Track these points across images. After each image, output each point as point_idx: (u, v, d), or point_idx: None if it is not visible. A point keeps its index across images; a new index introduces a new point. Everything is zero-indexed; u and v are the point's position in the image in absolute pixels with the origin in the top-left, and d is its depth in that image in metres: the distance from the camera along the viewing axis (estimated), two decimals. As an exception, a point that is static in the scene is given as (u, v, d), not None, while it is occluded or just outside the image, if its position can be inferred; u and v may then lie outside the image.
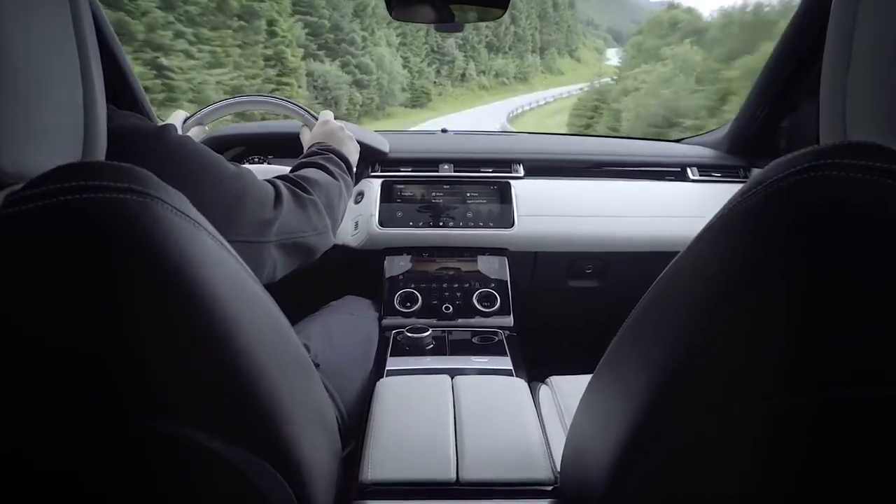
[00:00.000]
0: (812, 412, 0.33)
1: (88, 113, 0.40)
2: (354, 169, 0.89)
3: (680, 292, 0.41)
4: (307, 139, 0.92)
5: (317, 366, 0.80)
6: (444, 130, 1.41)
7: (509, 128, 2.16)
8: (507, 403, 0.74)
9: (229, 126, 1.30)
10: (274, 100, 0.96)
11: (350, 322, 0.96)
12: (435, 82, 41.56)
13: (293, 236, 0.64)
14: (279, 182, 0.66)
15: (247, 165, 1.00)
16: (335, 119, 0.94)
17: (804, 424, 0.34)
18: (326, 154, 0.82)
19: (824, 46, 0.44)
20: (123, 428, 0.33)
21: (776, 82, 1.09)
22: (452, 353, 0.92)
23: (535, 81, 59.95)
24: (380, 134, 1.25)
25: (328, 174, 0.77)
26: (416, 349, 0.92)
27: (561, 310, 1.30)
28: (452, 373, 0.82)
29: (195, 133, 0.95)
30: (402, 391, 0.75)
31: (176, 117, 0.95)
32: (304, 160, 0.80)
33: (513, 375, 0.86)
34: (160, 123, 0.56)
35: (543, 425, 0.78)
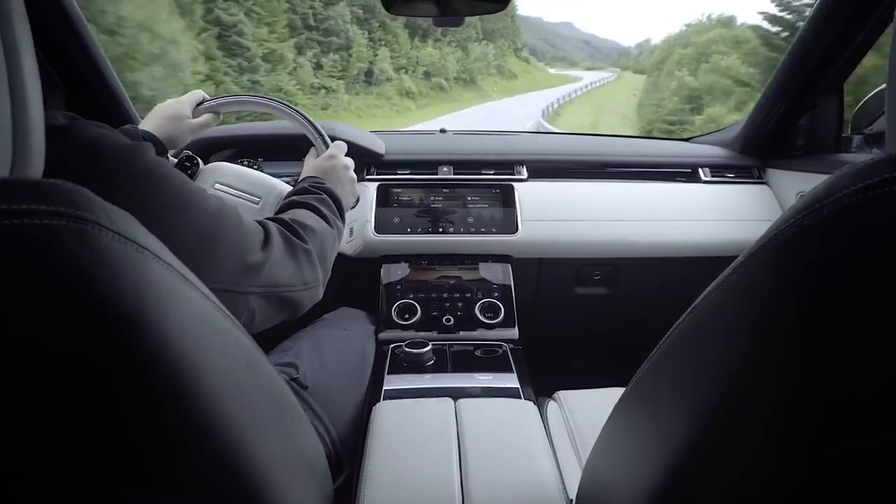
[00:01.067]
0: (877, 462, 0.28)
1: (18, 125, 0.33)
2: (346, 214, 0.81)
3: (724, 322, 0.35)
4: (308, 166, 0.83)
5: (305, 388, 0.74)
6: (442, 130, 1.34)
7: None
8: (516, 431, 0.68)
9: (217, 127, 1.23)
10: (294, 113, 0.87)
11: (343, 338, 0.89)
12: (317, 85, 20.56)
13: (279, 289, 0.56)
14: (271, 225, 0.59)
15: (245, 168, 0.93)
16: (330, 133, 0.85)
17: (866, 476, 0.28)
18: (320, 195, 0.74)
19: (892, 40, 0.38)
20: (74, 494, 0.27)
21: (795, 79, 1.03)
22: (454, 370, 0.86)
23: (485, 85, 38.95)
24: (375, 134, 1.19)
25: (323, 219, 0.69)
26: (416, 365, 0.86)
27: (568, 318, 1.24)
28: (455, 394, 0.76)
29: (207, 120, 0.85)
30: (401, 417, 0.69)
31: (191, 97, 0.84)
32: (295, 198, 0.73)
33: (519, 395, 0.80)
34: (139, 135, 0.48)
35: (554, 451, 0.72)
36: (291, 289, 0.58)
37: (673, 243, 1.08)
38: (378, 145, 1.14)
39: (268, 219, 0.62)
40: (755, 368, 0.30)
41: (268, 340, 0.89)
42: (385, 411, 0.70)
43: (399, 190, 1.10)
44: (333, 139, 0.85)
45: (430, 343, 0.88)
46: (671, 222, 1.10)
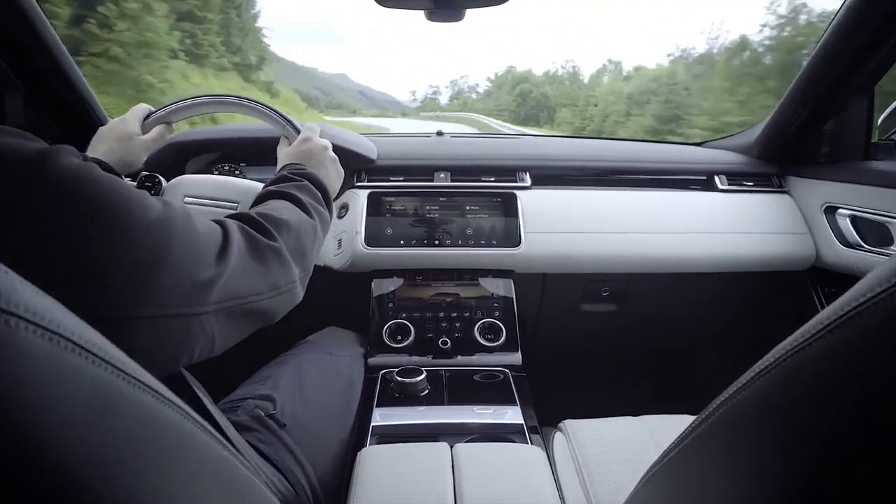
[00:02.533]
0: None
1: None
2: (334, 200, 0.72)
3: (809, 395, 0.26)
4: (282, 155, 0.76)
5: (283, 426, 0.65)
6: (439, 133, 1.26)
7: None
8: (522, 486, 0.59)
9: (195, 130, 1.15)
10: (252, 104, 0.80)
11: (329, 364, 0.81)
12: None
13: (242, 301, 0.47)
14: (232, 225, 0.49)
15: (215, 176, 0.85)
16: (321, 135, 0.77)
17: None
18: (300, 181, 0.66)
19: None
20: None
21: (822, 79, 0.94)
22: (451, 401, 0.78)
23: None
24: (367, 138, 1.10)
25: (301, 209, 0.61)
26: (408, 396, 0.78)
27: (573, 337, 1.16)
28: (452, 431, 0.68)
29: (159, 133, 0.78)
30: (389, 466, 0.61)
31: (136, 112, 0.77)
32: (272, 188, 0.64)
33: (524, 432, 0.72)
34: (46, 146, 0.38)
35: (562, 495, 0.64)
36: (259, 297, 0.49)
37: (688, 257, 1.00)
38: (370, 149, 1.05)
39: (231, 216, 0.52)
40: (863, 458, 0.22)
41: (245, 365, 0.81)
42: (372, 458, 0.62)
43: (392, 198, 1.01)
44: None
45: (425, 370, 0.80)
46: (686, 234, 1.01)
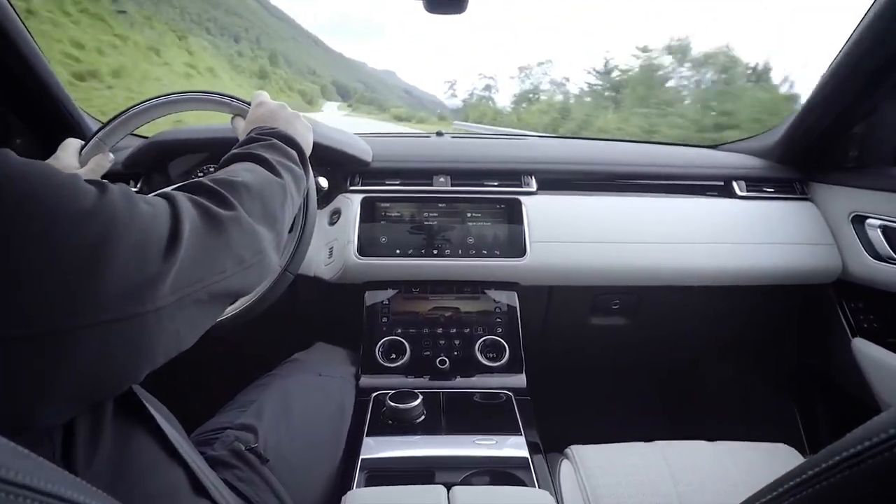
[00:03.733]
0: None
1: None
2: (308, 154, 0.65)
3: None
4: (241, 127, 0.69)
5: (266, 461, 0.59)
6: (439, 133, 1.18)
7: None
8: None
9: (178, 128, 1.07)
10: (186, 96, 0.73)
11: (318, 388, 0.74)
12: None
13: (204, 285, 0.40)
14: (181, 198, 0.42)
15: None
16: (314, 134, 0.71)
17: None
18: (267, 140, 0.59)
19: None
20: None
21: (852, 80, 0.87)
22: (449, 430, 0.71)
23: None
24: (360, 137, 1.03)
25: (266, 167, 0.54)
26: (402, 423, 0.71)
27: (580, 352, 1.09)
28: (449, 470, 0.61)
29: (98, 162, 0.71)
30: None
31: (67, 148, 0.71)
32: (235, 150, 0.57)
33: (530, 467, 0.65)
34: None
35: None
36: (223, 276, 0.42)
37: (704, 269, 0.93)
38: (364, 151, 0.98)
39: (178, 186, 0.45)
40: None
41: (226, 387, 0.74)
42: (359, 503, 0.55)
43: (387, 204, 0.94)
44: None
45: (420, 394, 0.73)
46: (702, 244, 0.94)
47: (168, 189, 0.44)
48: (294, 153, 0.60)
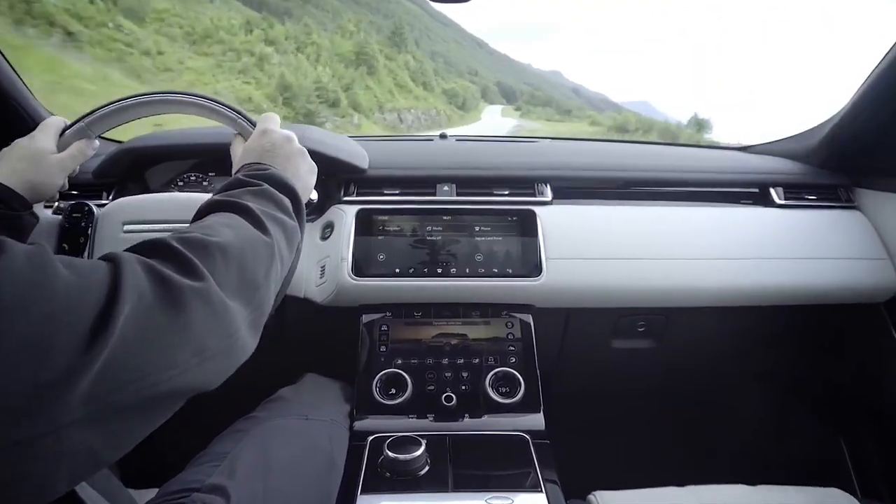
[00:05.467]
0: None
1: None
2: (305, 203, 0.56)
3: None
4: (237, 154, 0.60)
5: None
6: (442, 136, 1.08)
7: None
8: None
9: (158, 133, 0.98)
10: (189, 98, 0.64)
11: (303, 435, 0.64)
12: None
13: (138, 387, 0.30)
14: (129, 262, 0.32)
15: (163, 194, 0.69)
16: (283, 128, 0.61)
17: None
18: (258, 185, 0.49)
19: None
20: None
21: None
22: (457, 485, 0.61)
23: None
24: (356, 141, 0.93)
25: (251, 220, 0.44)
26: (403, 476, 0.61)
27: (601, 379, 0.98)
28: None
29: (79, 149, 0.63)
30: None
31: (46, 129, 0.62)
32: (217, 197, 0.48)
33: None
34: None
35: None
36: (171, 372, 0.32)
37: (739, 288, 0.83)
38: (360, 156, 0.88)
39: (132, 248, 0.35)
40: None
41: (197, 432, 0.64)
42: None
43: (386, 216, 0.84)
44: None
45: (424, 440, 0.63)
46: (739, 260, 0.84)
47: (118, 251, 0.34)
48: (287, 202, 0.50)
